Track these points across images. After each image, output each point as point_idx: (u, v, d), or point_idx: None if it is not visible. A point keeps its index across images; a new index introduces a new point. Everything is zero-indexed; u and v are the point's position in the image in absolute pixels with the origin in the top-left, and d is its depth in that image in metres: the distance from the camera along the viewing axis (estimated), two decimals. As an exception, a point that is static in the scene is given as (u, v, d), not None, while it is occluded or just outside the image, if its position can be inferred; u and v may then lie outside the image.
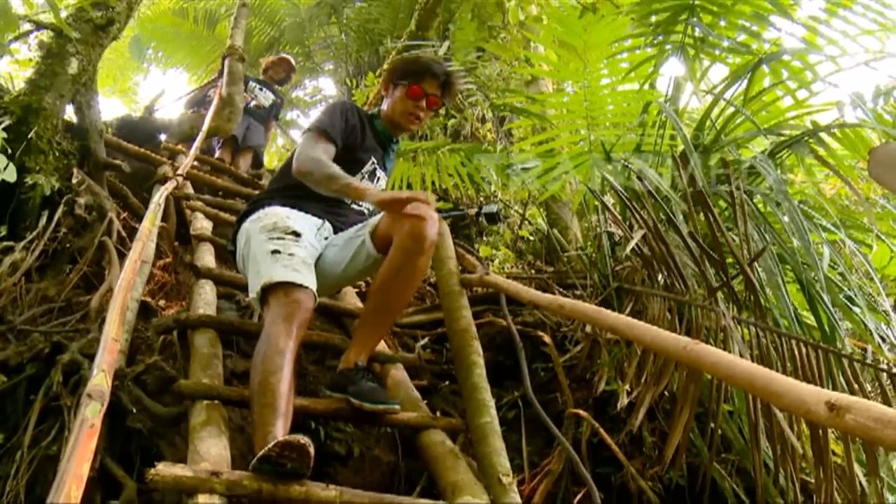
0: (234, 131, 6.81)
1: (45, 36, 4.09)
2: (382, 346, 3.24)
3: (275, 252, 2.64)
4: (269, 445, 1.96)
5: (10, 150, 3.50)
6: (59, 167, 3.86)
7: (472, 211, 3.51)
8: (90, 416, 1.32)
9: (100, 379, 1.45)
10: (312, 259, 2.81)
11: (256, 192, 5.10)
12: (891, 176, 1.82)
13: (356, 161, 3.10)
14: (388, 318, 2.92)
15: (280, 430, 2.08)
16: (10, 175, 3.40)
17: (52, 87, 3.88)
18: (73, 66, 4.03)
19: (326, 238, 3.03)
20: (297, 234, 2.77)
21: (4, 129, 3.52)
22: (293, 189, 3.04)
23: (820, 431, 2.38)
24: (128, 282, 1.98)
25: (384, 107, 3.25)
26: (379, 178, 3.23)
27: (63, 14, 4.09)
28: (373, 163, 3.18)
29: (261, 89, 7.84)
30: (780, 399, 1.35)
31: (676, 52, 4.30)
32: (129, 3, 4.57)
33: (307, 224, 2.94)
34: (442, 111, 6.97)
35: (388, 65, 3.32)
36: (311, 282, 2.59)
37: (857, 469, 2.39)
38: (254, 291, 2.60)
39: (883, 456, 2.48)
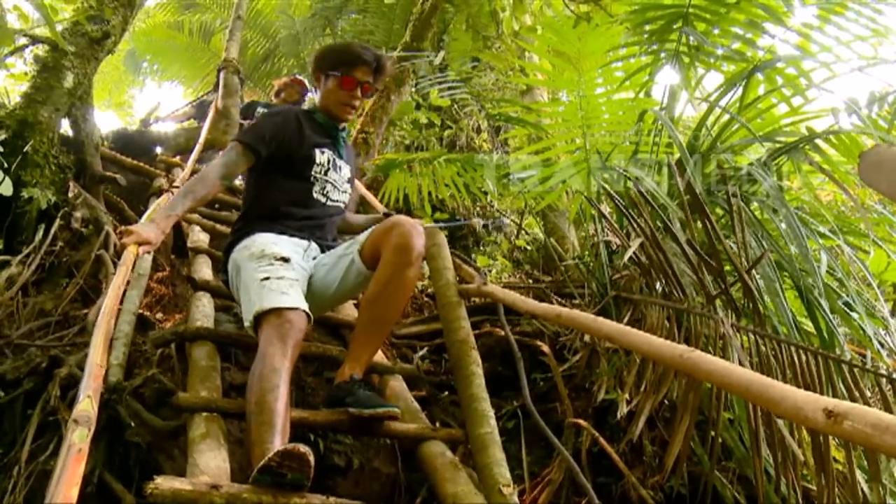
0: None
1: (41, 50, 4.10)
2: (381, 358, 3.23)
3: (265, 279, 2.64)
4: (269, 455, 1.96)
5: (6, 164, 3.50)
6: (55, 181, 3.86)
7: (478, 222, 3.49)
8: (77, 442, 1.33)
9: (86, 404, 1.45)
10: (303, 281, 2.82)
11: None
12: (880, 178, 1.82)
13: (305, 159, 3.07)
14: (381, 332, 2.91)
15: (277, 447, 2.07)
16: (7, 189, 3.40)
17: (47, 100, 3.89)
18: (69, 80, 4.03)
19: (314, 258, 3.04)
20: (285, 260, 2.77)
21: (0, 143, 3.52)
22: (273, 211, 3.04)
23: (821, 438, 2.38)
24: (111, 308, 1.98)
25: (318, 98, 3.22)
26: (340, 168, 3.21)
27: (59, 28, 4.09)
28: (325, 153, 3.14)
29: None
30: (777, 406, 1.35)
31: (671, 60, 4.31)
32: (124, 17, 4.57)
33: (294, 247, 2.94)
34: (437, 122, 6.99)
35: (315, 55, 3.29)
36: (302, 303, 2.59)
37: (859, 475, 2.38)
38: (247, 320, 2.60)
39: (885, 462, 2.47)
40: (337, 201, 3.21)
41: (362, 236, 2.94)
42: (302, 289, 2.76)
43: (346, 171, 3.26)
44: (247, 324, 2.61)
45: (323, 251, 3.09)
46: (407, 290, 2.85)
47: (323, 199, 3.14)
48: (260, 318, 2.53)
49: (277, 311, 2.50)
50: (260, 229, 2.97)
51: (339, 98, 3.13)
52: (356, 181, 3.58)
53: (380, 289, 2.76)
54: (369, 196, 5.06)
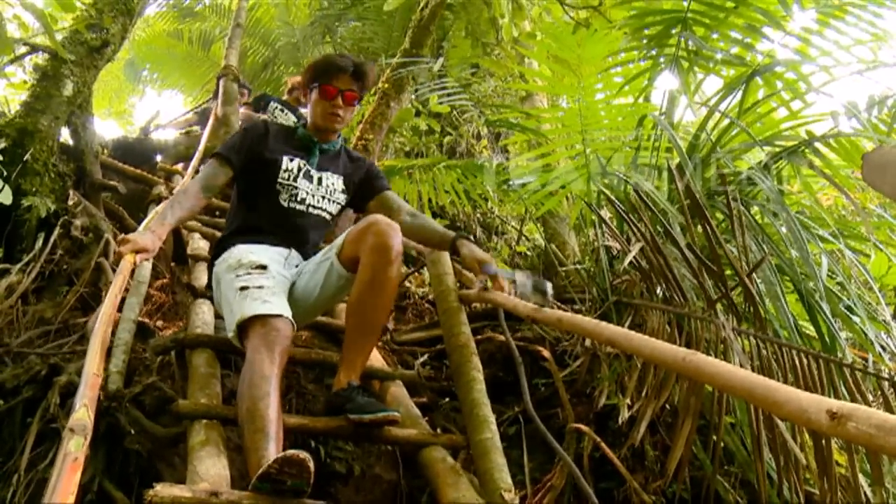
0: None
1: (41, 58, 4.11)
2: (381, 364, 3.23)
3: (243, 288, 2.63)
4: (269, 462, 1.95)
5: (5, 173, 3.51)
6: (55, 189, 3.86)
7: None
8: (73, 450, 1.32)
9: (82, 413, 1.44)
10: (283, 289, 2.79)
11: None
12: (884, 179, 1.81)
13: (270, 165, 3.06)
14: (370, 335, 2.87)
15: (272, 454, 2.06)
16: (6, 198, 3.40)
17: (47, 109, 3.89)
18: (69, 89, 4.04)
19: (297, 266, 3.02)
20: (263, 268, 2.75)
21: (0, 152, 3.52)
22: (245, 221, 3.04)
23: (823, 441, 2.37)
24: (107, 317, 1.97)
25: (308, 115, 3.23)
26: (314, 176, 3.15)
27: (58, 36, 4.09)
28: (295, 161, 3.10)
29: (282, 110, 7.48)
30: (780, 408, 1.34)
31: (670, 65, 4.32)
32: (123, 25, 4.58)
33: (273, 256, 2.92)
34: (437, 128, 7.00)
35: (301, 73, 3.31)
36: (284, 310, 2.57)
37: (862, 479, 2.38)
38: (230, 330, 2.59)
39: (888, 464, 2.47)
40: (315, 208, 3.13)
41: (340, 239, 2.90)
42: (284, 296, 2.74)
43: (331, 180, 3.19)
44: (230, 334, 2.60)
45: (305, 258, 3.08)
46: (390, 290, 2.81)
47: (293, 205, 3.08)
48: (244, 326, 2.51)
49: (262, 320, 2.48)
50: (238, 241, 2.96)
51: (323, 108, 3.12)
52: (390, 193, 3.40)
53: (363, 291, 2.73)
54: None
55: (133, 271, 3.08)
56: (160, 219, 2.77)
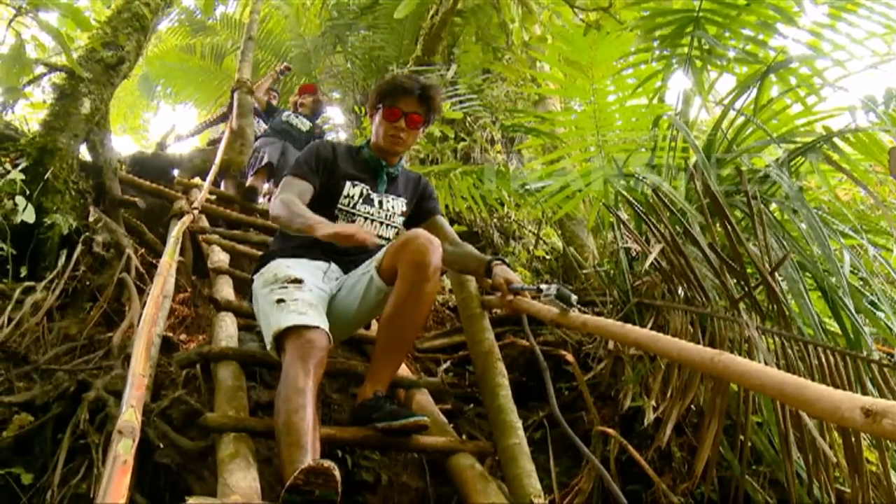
0: (270, 158, 6.56)
1: (58, 77, 4.15)
2: (406, 372, 3.23)
3: (279, 301, 2.63)
4: (295, 474, 1.96)
5: (27, 192, 3.54)
6: (75, 206, 3.90)
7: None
8: (122, 453, 1.32)
9: (129, 415, 1.44)
10: (321, 301, 2.79)
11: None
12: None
13: (332, 190, 3.06)
14: (401, 350, 2.88)
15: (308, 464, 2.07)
16: (30, 216, 3.43)
17: (66, 127, 3.93)
18: (86, 106, 4.08)
19: (337, 279, 3.01)
20: (299, 281, 2.75)
21: (22, 171, 3.56)
22: (294, 239, 3.04)
23: (853, 438, 2.35)
24: (152, 317, 1.98)
25: (372, 135, 3.21)
26: (377, 201, 3.15)
27: (75, 55, 4.14)
28: (358, 186, 3.10)
29: (297, 116, 7.57)
30: (812, 406, 1.34)
31: (683, 65, 4.31)
32: (138, 42, 4.63)
33: (310, 269, 2.92)
34: (451, 134, 7.00)
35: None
36: (320, 322, 2.58)
37: (894, 476, 2.36)
38: (268, 343, 2.60)
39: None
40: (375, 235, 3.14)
41: (380, 252, 2.90)
42: (322, 309, 2.75)
43: (391, 203, 3.19)
44: (268, 346, 2.62)
45: (346, 272, 3.06)
46: (425, 306, 2.80)
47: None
48: (280, 338, 2.52)
49: (297, 331, 2.49)
50: (277, 255, 2.98)
51: (385, 130, 3.10)
52: (440, 218, 3.40)
53: (398, 305, 2.72)
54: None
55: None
56: (319, 222, 2.68)
